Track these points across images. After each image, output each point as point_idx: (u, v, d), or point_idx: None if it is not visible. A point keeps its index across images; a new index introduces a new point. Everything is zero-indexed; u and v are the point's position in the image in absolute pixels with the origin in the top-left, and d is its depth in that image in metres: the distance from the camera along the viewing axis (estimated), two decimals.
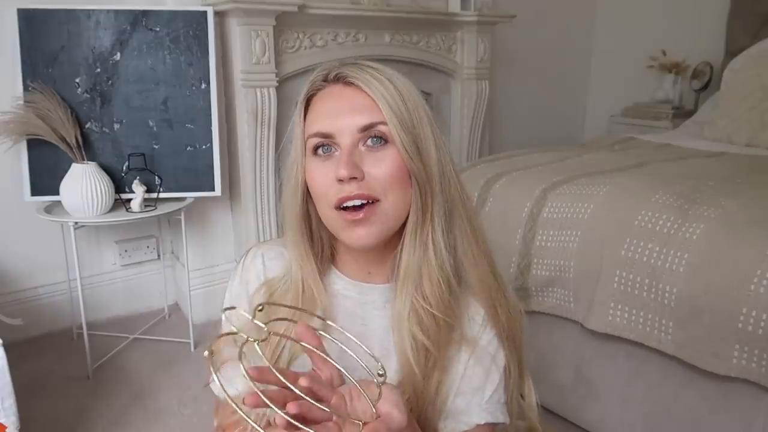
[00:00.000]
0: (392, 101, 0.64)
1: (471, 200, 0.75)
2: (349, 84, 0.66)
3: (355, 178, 0.63)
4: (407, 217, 0.68)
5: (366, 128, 0.64)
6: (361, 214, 0.64)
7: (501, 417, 0.72)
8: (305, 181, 0.69)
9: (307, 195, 0.70)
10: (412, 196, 0.67)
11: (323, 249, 0.74)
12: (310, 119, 0.68)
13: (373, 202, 0.64)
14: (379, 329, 0.73)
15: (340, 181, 0.63)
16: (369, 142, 0.65)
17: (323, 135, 0.65)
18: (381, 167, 0.64)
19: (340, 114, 0.65)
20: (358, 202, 0.64)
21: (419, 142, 0.66)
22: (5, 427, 1.09)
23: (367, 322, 0.73)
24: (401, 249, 0.69)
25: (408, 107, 0.65)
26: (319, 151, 0.66)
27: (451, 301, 0.69)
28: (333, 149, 0.66)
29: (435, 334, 0.68)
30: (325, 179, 0.65)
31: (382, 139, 0.65)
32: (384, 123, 0.64)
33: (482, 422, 0.70)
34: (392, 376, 0.69)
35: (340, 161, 0.63)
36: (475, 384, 0.71)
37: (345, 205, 0.64)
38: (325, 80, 0.68)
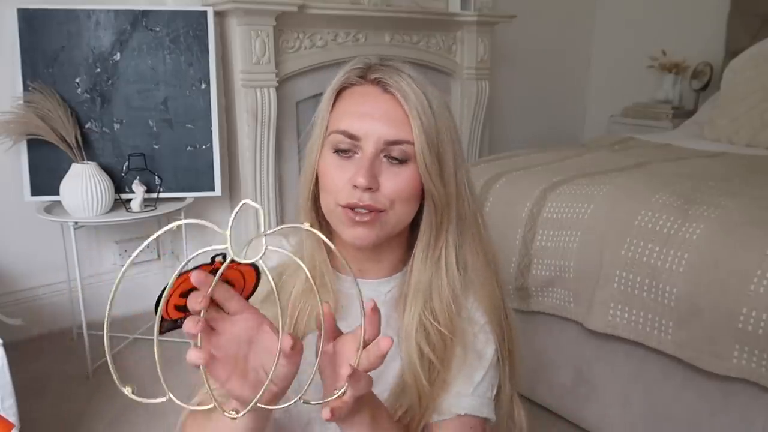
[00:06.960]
0: (425, 120, 0.64)
1: (484, 216, 0.75)
2: (387, 91, 0.65)
3: (370, 188, 0.63)
4: (414, 229, 0.69)
5: (392, 143, 0.64)
6: (367, 218, 0.64)
7: (486, 412, 0.71)
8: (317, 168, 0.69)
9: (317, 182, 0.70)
10: (425, 214, 0.67)
11: None
12: (339, 113, 0.67)
13: (380, 211, 0.65)
14: None
15: (355, 187, 0.63)
16: (391, 154, 0.65)
17: (350, 135, 0.65)
18: (397, 182, 0.65)
19: (372, 120, 0.64)
20: (365, 210, 0.64)
21: (442, 162, 0.66)
22: (13, 426, 1.08)
23: (358, 320, 0.72)
24: (411, 264, 0.70)
25: (437, 126, 0.65)
26: (341, 146, 0.66)
27: (457, 315, 0.70)
28: (353, 151, 0.66)
29: (441, 350, 0.68)
30: (339, 179, 0.65)
31: (404, 156, 0.65)
32: (410, 143, 0.64)
33: (462, 413, 0.69)
34: (393, 381, 0.69)
35: (360, 169, 0.63)
36: (464, 373, 0.70)
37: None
38: (363, 77, 0.67)
